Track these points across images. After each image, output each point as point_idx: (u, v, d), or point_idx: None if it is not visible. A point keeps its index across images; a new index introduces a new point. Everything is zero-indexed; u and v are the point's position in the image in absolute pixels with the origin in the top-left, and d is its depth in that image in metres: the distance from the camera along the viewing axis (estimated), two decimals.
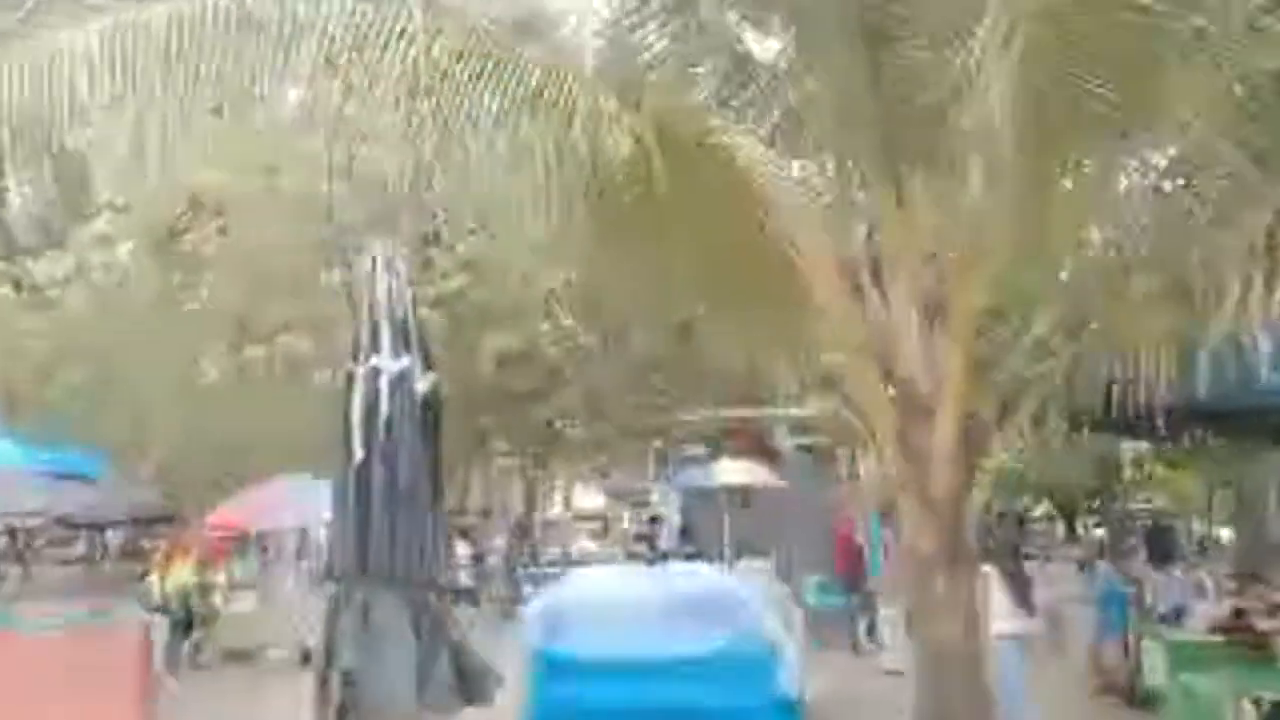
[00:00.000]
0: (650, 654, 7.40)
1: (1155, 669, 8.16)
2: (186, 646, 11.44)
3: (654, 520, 19.07)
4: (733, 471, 14.43)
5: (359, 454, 5.17)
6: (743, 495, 14.66)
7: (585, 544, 27.46)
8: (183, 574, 11.93)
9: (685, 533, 16.09)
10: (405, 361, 5.33)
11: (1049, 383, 5.83)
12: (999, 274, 5.60)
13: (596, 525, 35.89)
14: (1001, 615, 9.42)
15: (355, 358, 5.37)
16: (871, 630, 11.77)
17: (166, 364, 13.16)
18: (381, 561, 5.03)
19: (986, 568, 9.80)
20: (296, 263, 11.99)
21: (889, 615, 11.46)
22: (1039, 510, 37.43)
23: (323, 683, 5.00)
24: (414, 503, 5.16)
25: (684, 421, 15.78)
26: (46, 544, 23.87)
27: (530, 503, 17.93)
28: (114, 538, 14.85)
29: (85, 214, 17.91)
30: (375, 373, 5.27)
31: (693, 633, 7.47)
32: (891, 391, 6.01)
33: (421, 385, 5.36)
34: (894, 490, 6.14)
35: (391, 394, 5.23)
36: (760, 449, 15.37)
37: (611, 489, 35.48)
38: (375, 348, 5.32)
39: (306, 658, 12.84)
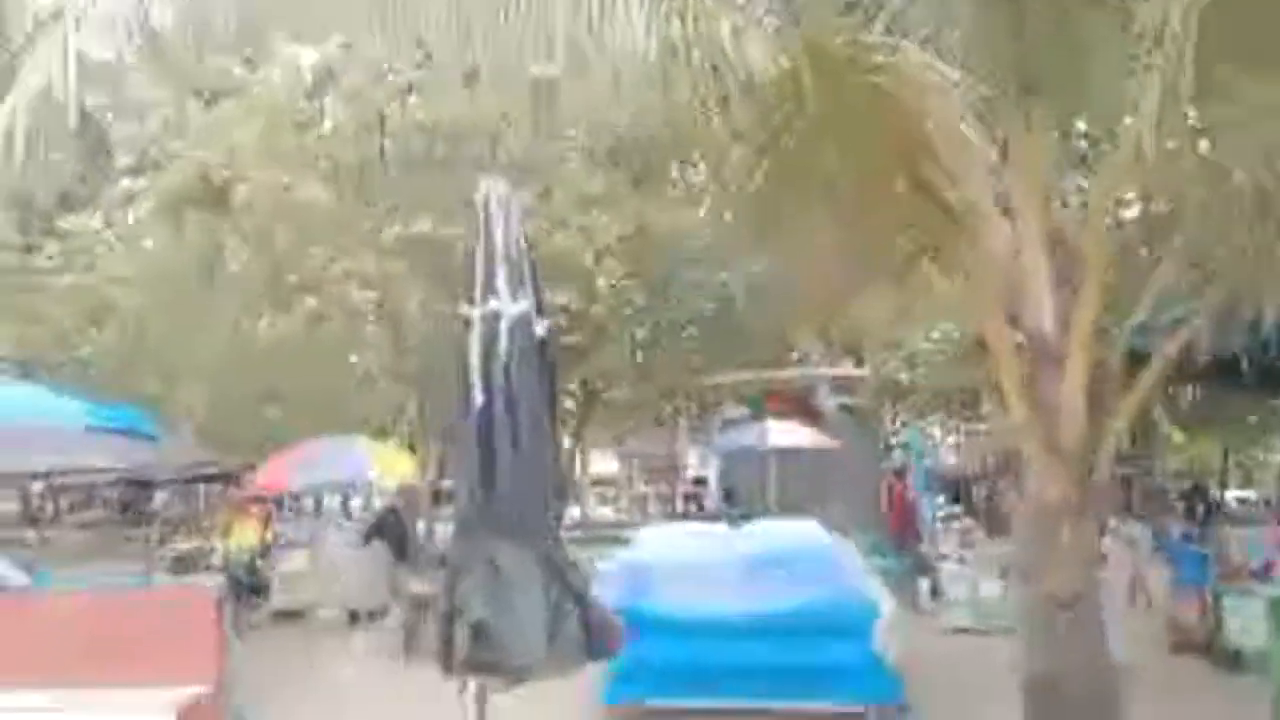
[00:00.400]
0: (740, 610, 7.25)
1: (1248, 627, 8.03)
2: (247, 608, 11.32)
3: (699, 482, 18.91)
4: (779, 432, 14.24)
5: (479, 400, 4.96)
6: (787, 456, 14.47)
7: (601, 510, 27.35)
8: (247, 535, 11.82)
9: (728, 495, 15.92)
10: (524, 304, 5.10)
11: (1189, 326, 5.62)
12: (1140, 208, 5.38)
13: (610, 490, 35.84)
14: None
15: (470, 300, 5.14)
16: (935, 590, 11.64)
17: (204, 322, 12.92)
18: (507, 511, 4.83)
19: None
20: (344, 217, 11.72)
21: (952, 572, 11.36)
22: None
23: (446, 640, 4.82)
24: (537, 450, 4.95)
25: (725, 383, 15.60)
26: (69, 508, 23.78)
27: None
28: (162, 497, 14.64)
29: (109, 177, 17.62)
30: (494, 316, 5.04)
31: (785, 589, 7.31)
32: (1019, 338, 5.82)
33: (539, 329, 5.14)
34: (1018, 439, 5.96)
35: (511, 337, 5.01)
36: (802, 409, 15.20)
37: (625, 454, 35.41)
38: (493, 290, 5.09)
39: (354, 617, 12.80)
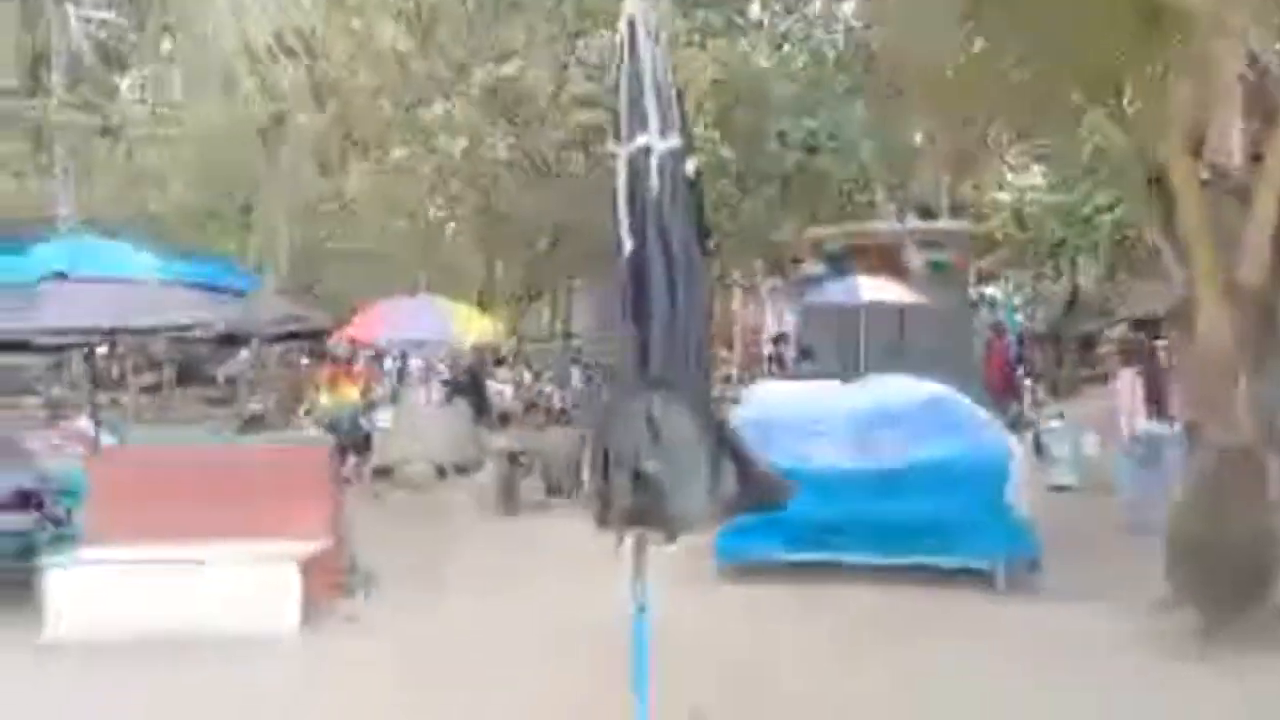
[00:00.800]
0: (868, 465, 7.03)
1: None
2: (350, 465, 11.34)
3: (778, 340, 18.57)
4: (870, 288, 13.76)
5: (629, 244, 4.63)
6: (873, 313, 14.03)
7: None
8: (350, 392, 11.83)
9: (805, 353, 15.57)
10: (674, 140, 4.70)
11: None
12: None
13: None
14: (1139, 414, 9.02)
15: (618, 137, 4.75)
16: (1039, 447, 11.38)
17: (277, 176, 12.57)
18: (662, 362, 4.55)
19: (1127, 372, 9.35)
20: (425, 63, 11.15)
21: (1055, 430, 11.10)
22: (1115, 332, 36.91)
23: (603, 492, 4.62)
24: (691, 297, 4.64)
25: (807, 238, 15.12)
26: (133, 370, 24.10)
27: None
28: (245, 356, 14.65)
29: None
30: (644, 153, 4.64)
31: (913, 442, 7.05)
32: (1204, 173, 5.36)
33: (689, 166, 4.75)
34: (1191, 283, 5.55)
35: (661, 175, 4.62)
36: (888, 265, 14.70)
37: None
38: (641, 125, 4.68)
39: (442, 472, 12.88)
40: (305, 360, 19.56)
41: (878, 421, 7.37)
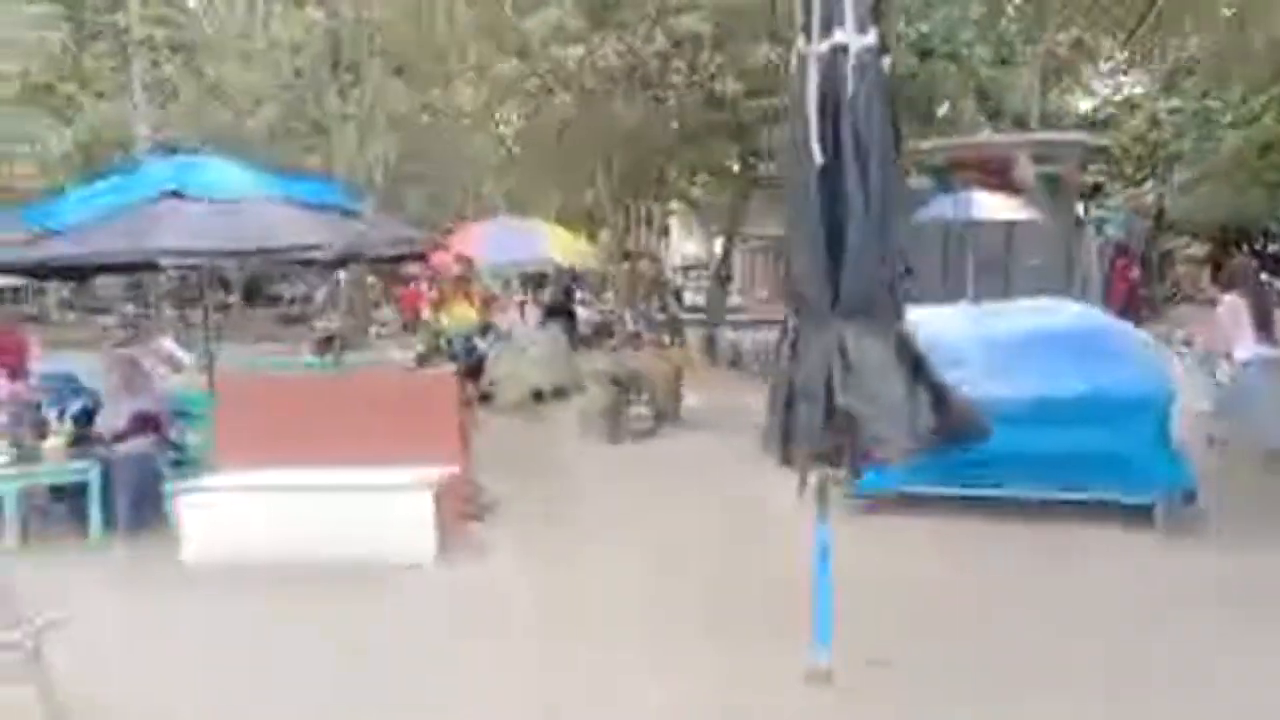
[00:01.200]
0: (1019, 394, 6.60)
1: None
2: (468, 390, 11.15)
3: None
4: (986, 205, 13.07)
5: (818, 157, 4.23)
6: (983, 231, 13.38)
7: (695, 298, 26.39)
8: (466, 314, 11.58)
9: (907, 272, 14.88)
10: (871, 36, 4.25)
11: None
12: None
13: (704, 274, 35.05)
14: (1247, 341, 8.51)
15: (807, 34, 4.31)
16: None
17: (379, 92, 12.16)
18: (856, 287, 4.18)
19: (1230, 296, 8.80)
20: None
21: (1187, 355, 10.56)
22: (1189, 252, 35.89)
23: (784, 435, 4.30)
24: (887, 213, 4.25)
25: (909, 151, 14.40)
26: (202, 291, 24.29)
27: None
28: (344, 277, 14.49)
29: None
30: (837, 52, 4.21)
31: (1071, 369, 6.61)
32: None
33: (885, 64, 4.30)
34: None
35: (859, 75, 4.19)
36: (995, 180, 13.98)
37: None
38: (837, 19, 4.24)
39: (539, 396, 12.68)
40: (371, 279, 19.48)
41: (1028, 346, 6.90)
